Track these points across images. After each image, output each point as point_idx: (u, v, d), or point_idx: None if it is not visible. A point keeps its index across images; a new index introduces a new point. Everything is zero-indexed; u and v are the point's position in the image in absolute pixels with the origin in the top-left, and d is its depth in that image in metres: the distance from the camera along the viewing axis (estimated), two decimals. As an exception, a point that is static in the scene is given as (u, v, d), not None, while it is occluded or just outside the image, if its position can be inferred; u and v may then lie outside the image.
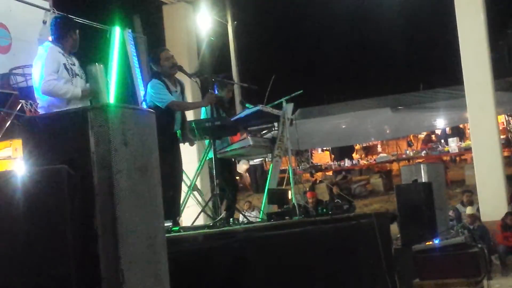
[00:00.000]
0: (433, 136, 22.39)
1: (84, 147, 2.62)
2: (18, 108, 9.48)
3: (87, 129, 2.64)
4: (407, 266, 6.76)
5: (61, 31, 5.87)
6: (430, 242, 6.34)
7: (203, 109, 7.73)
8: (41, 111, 5.78)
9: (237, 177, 20.99)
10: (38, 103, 5.93)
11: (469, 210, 12.54)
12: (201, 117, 7.66)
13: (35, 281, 2.47)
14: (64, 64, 5.71)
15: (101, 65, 5.60)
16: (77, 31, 5.97)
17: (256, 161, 16.26)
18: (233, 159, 8.38)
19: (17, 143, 10.52)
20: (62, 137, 2.70)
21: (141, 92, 10.29)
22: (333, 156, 23.12)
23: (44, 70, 5.60)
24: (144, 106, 6.47)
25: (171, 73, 6.63)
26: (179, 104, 6.61)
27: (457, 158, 20.09)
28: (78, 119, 2.68)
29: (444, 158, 18.62)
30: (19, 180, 2.56)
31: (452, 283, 6.04)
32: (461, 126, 21.08)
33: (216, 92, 7.58)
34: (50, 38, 6.03)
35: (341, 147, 22.02)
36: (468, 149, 16.34)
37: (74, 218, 2.52)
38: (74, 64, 5.87)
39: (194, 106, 7.60)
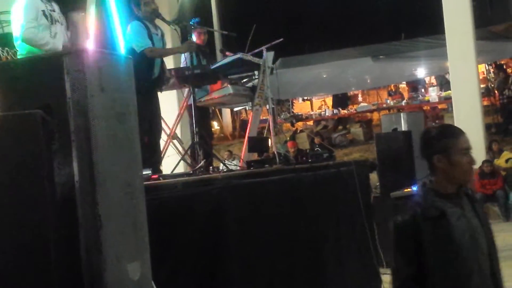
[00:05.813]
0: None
1: (60, 93, 2.57)
2: (-6, 55, 9.34)
3: (63, 74, 2.58)
4: (386, 214, 6.83)
5: None
6: (408, 189, 6.40)
7: (183, 57, 7.67)
8: None
9: (218, 127, 21.01)
10: (17, 51, 5.84)
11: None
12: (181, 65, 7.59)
13: (11, 227, 2.46)
14: (43, 11, 5.59)
15: (83, 14, 5.50)
16: None
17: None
18: (212, 108, 8.34)
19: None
20: (37, 82, 2.64)
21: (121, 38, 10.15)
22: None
23: (24, 17, 5.49)
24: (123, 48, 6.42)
25: (151, 17, 6.64)
26: (156, 50, 6.56)
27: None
28: (54, 64, 2.61)
29: (425, 108, 18.74)
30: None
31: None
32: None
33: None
34: None
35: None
36: (448, 99, 16.41)
37: (50, 164, 2.49)
38: (54, 10, 5.74)
39: (172, 52, 7.48)
